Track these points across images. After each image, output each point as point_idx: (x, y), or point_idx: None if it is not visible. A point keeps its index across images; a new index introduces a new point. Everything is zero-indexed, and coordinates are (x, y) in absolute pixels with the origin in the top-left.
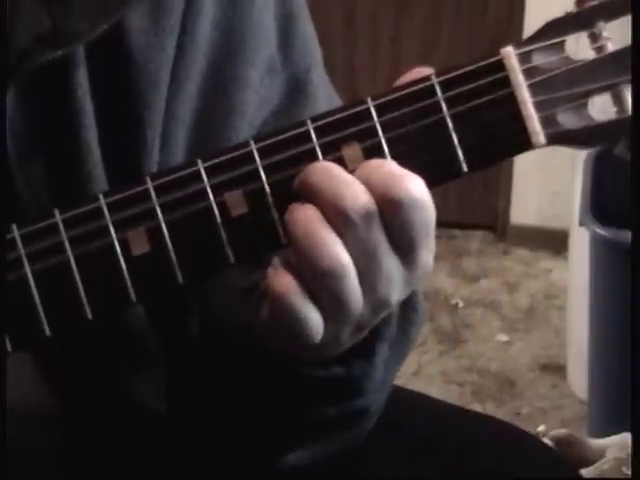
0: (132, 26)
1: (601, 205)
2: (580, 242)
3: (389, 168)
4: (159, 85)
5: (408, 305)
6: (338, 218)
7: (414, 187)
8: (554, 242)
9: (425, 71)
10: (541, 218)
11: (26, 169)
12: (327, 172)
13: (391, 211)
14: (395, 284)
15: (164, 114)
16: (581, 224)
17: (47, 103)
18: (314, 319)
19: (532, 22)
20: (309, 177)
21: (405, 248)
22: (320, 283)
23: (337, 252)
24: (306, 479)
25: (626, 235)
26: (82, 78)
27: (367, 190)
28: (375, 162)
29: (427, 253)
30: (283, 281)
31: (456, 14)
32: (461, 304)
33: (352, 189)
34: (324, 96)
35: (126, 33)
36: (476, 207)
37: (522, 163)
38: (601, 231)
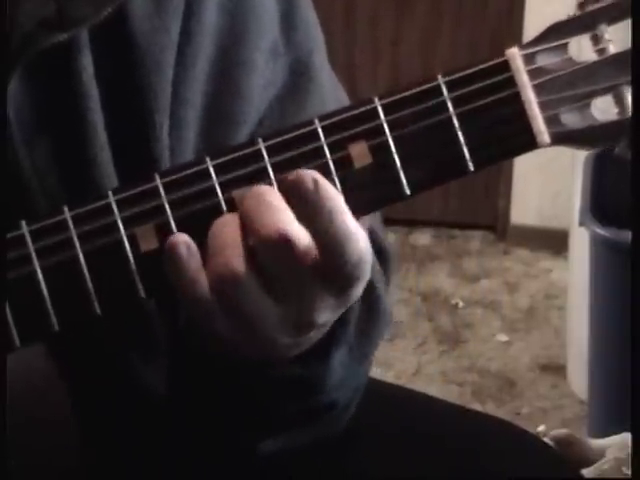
0: (135, 9)
1: (601, 205)
2: (580, 242)
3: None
4: (164, 68)
5: (372, 307)
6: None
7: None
8: (554, 242)
9: None
10: (541, 218)
11: (32, 154)
12: (259, 197)
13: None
14: (321, 309)
15: (173, 98)
16: (581, 224)
17: (52, 87)
18: (223, 323)
19: (532, 17)
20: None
21: (337, 286)
22: (218, 287)
23: (232, 261)
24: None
25: (626, 235)
26: (87, 62)
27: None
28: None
29: (359, 287)
30: (195, 276)
31: (457, 10)
32: (461, 304)
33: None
34: (327, 80)
35: (129, 16)
36: (476, 207)
37: (522, 164)
38: (601, 231)
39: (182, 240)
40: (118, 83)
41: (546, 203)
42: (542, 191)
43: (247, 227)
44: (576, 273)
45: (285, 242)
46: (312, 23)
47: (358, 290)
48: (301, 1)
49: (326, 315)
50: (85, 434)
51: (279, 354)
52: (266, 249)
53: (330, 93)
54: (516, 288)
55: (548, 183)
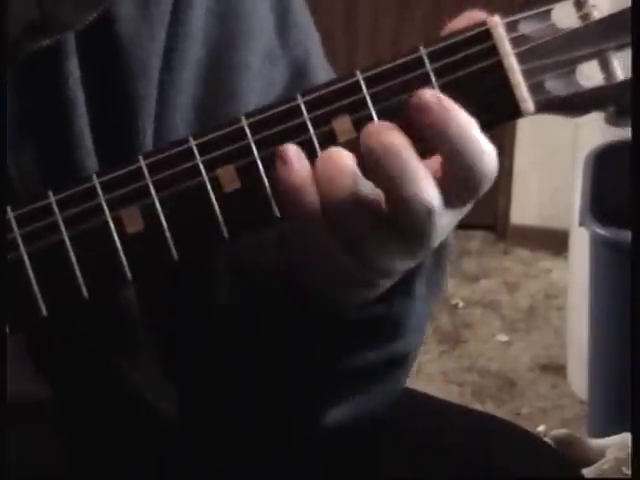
0: (121, 15)
1: (601, 205)
2: (580, 242)
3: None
4: (149, 73)
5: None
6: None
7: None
8: (554, 242)
9: (477, 15)
10: (541, 218)
11: (18, 158)
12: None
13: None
14: (437, 225)
15: (161, 104)
16: (581, 224)
17: (39, 92)
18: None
19: None
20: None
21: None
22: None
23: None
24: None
25: (626, 235)
26: (73, 67)
27: None
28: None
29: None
30: (297, 173)
31: (457, 12)
32: (461, 304)
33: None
34: (326, 79)
35: (115, 22)
36: (476, 207)
37: (522, 163)
38: (601, 231)
39: (293, 147)
40: (104, 88)
41: (546, 203)
42: (542, 191)
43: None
44: (576, 273)
45: (426, 207)
46: (307, 24)
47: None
48: (295, 3)
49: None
50: (70, 436)
51: (378, 282)
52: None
53: None
54: (516, 288)
55: (548, 183)
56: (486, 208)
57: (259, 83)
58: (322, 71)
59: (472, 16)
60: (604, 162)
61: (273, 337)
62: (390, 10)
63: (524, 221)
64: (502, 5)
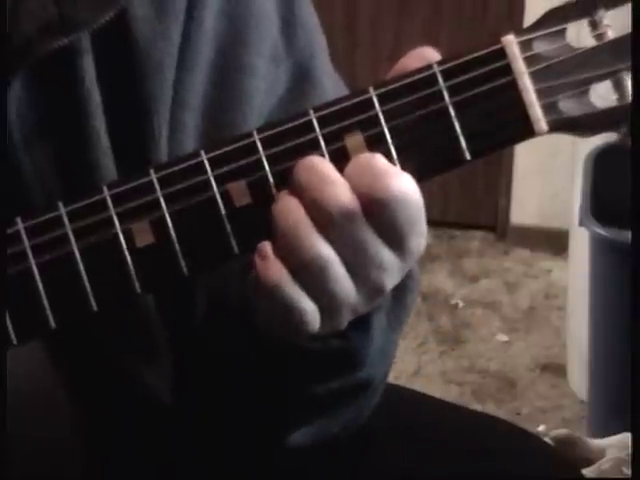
0: (136, 14)
1: (601, 205)
2: (580, 242)
3: (374, 165)
4: (164, 72)
5: None
6: (320, 215)
7: (397, 186)
8: (554, 242)
9: (426, 52)
10: (541, 218)
11: (34, 157)
12: (312, 169)
13: (375, 209)
14: (388, 272)
15: (172, 101)
16: (581, 224)
17: (54, 91)
18: (309, 309)
19: (532, 19)
20: (295, 174)
21: (394, 240)
22: (306, 274)
23: (317, 245)
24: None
25: (626, 235)
26: (88, 66)
27: (350, 188)
28: (362, 159)
29: (417, 239)
30: (275, 270)
31: (457, 12)
32: (461, 304)
33: (334, 188)
34: (330, 83)
35: (131, 21)
36: (476, 207)
37: (522, 163)
38: (601, 231)
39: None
40: (119, 87)
41: (546, 203)
42: (542, 191)
43: (312, 206)
44: (576, 273)
45: (347, 211)
46: (313, 26)
47: (413, 244)
48: (301, 5)
49: (391, 279)
50: (88, 437)
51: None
52: (334, 223)
53: (332, 96)
54: (516, 288)
55: (548, 183)
56: (486, 208)
57: (264, 85)
58: (326, 75)
59: (422, 54)
60: (604, 162)
61: (235, 360)
62: (390, 10)
63: (524, 221)
64: (499, 9)
